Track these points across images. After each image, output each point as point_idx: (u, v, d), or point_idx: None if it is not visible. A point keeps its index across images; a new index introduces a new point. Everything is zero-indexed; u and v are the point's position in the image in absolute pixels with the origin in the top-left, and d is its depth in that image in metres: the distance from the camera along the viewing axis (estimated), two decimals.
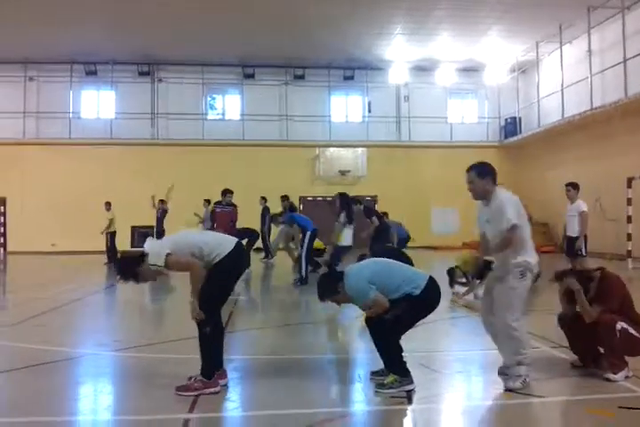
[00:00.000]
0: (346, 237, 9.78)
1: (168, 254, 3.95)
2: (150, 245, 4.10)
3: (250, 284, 10.85)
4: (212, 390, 3.95)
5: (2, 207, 20.40)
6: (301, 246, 10.57)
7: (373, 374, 4.29)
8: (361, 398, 4.07)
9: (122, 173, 19.89)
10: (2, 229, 20.46)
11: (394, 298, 4.07)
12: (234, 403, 3.97)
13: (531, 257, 4.10)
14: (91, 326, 7.08)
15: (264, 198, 15.23)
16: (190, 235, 4.35)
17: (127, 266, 4.10)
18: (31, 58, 20.03)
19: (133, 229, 18.98)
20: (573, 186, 9.10)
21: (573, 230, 9.04)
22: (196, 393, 3.89)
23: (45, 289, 10.06)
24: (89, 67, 20.65)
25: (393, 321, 4.06)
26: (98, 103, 21.41)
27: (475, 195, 4.23)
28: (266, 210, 14.85)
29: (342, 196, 10.05)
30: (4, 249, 20.38)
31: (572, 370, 4.49)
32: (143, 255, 4.04)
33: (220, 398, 3.94)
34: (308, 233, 10.41)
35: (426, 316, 4.21)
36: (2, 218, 20.44)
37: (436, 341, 5.77)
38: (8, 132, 19.94)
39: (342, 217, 9.71)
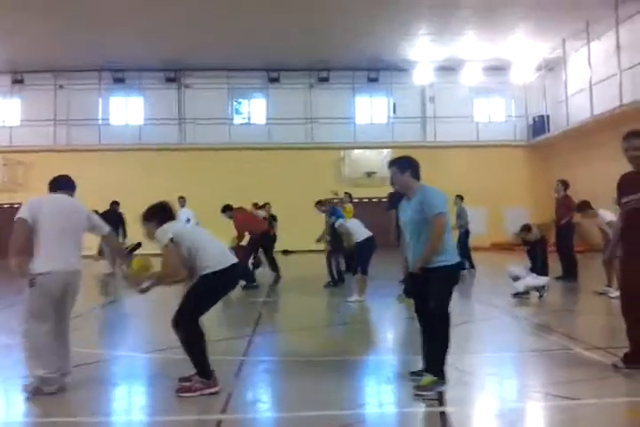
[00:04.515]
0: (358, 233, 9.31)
1: (171, 239, 4.00)
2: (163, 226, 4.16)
3: (279, 285, 10.85)
4: (212, 390, 3.97)
5: None
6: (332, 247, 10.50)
7: (413, 374, 4.20)
8: (391, 400, 4.06)
9: (151, 178, 20.15)
10: None
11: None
12: (265, 404, 4.00)
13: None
14: (124, 329, 7.18)
15: (267, 204, 13.61)
16: (199, 234, 4.32)
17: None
18: (61, 66, 20.48)
19: None
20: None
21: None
22: (197, 394, 3.94)
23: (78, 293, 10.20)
24: (117, 74, 21.06)
25: (439, 293, 4.01)
26: (126, 110, 21.79)
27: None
28: (270, 218, 13.20)
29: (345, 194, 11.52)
30: None
31: (612, 372, 4.33)
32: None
33: (251, 400, 3.97)
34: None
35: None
36: None
37: (467, 342, 5.71)
38: (39, 139, 20.44)
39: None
